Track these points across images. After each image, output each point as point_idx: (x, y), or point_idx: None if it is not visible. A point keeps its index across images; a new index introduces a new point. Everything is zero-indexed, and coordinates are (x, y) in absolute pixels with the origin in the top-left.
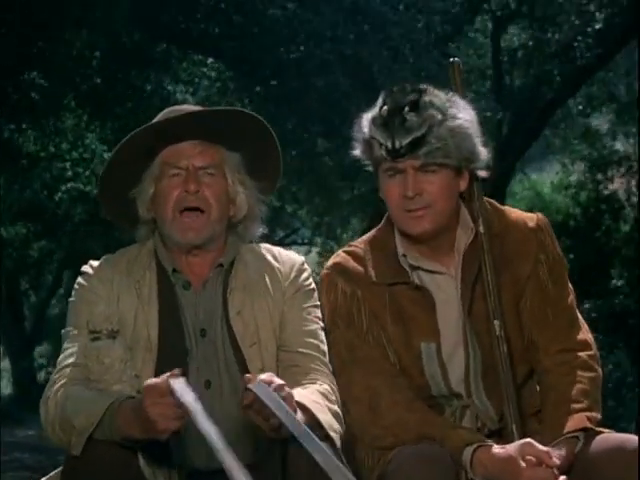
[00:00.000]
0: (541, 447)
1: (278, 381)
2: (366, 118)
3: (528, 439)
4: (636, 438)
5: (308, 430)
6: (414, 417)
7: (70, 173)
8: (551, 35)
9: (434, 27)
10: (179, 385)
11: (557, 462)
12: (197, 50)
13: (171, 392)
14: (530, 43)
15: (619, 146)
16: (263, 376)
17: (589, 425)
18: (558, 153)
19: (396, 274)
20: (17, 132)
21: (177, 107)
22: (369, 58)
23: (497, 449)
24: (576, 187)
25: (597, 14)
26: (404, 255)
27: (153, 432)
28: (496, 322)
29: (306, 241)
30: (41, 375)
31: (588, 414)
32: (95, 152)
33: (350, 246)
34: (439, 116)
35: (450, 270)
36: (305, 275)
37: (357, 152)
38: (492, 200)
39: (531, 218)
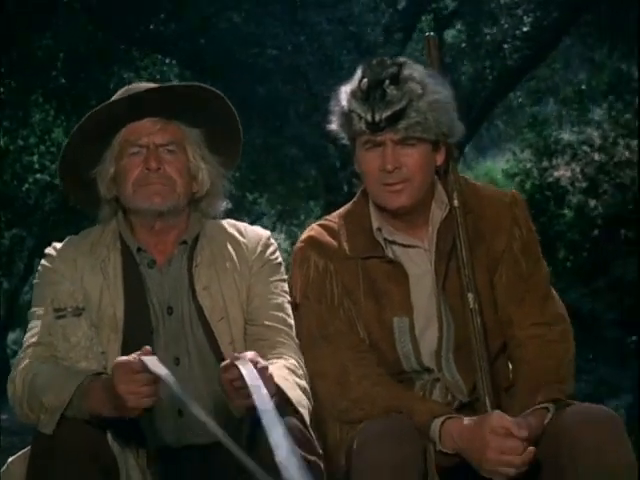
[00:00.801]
0: (509, 418)
1: (262, 362)
2: (344, 91)
3: (497, 411)
4: (605, 408)
5: (279, 420)
6: (382, 390)
7: (37, 165)
8: (483, 37)
9: (366, 36)
10: (152, 361)
11: (525, 433)
12: (155, 51)
13: (144, 369)
14: (463, 45)
15: (564, 135)
16: (249, 355)
17: (559, 397)
18: (510, 141)
19: (370, 248)
20: None
21: (135, 85)
22: (305, 67)
23: (465, 420)
24: (523, 174)
25: (525, 18)
26: (379, 229)
27: (124, 410)
28: (470, 295)
29: (269, 228)
30: (13, 361)
31: (559, 386)
32: (62, 145)
33: (324, 220)
34: (419, 90)
35: (424, 244)
36: (271, 249)
37: (333, 126)
38: (466, 176)
39: (505, 194)
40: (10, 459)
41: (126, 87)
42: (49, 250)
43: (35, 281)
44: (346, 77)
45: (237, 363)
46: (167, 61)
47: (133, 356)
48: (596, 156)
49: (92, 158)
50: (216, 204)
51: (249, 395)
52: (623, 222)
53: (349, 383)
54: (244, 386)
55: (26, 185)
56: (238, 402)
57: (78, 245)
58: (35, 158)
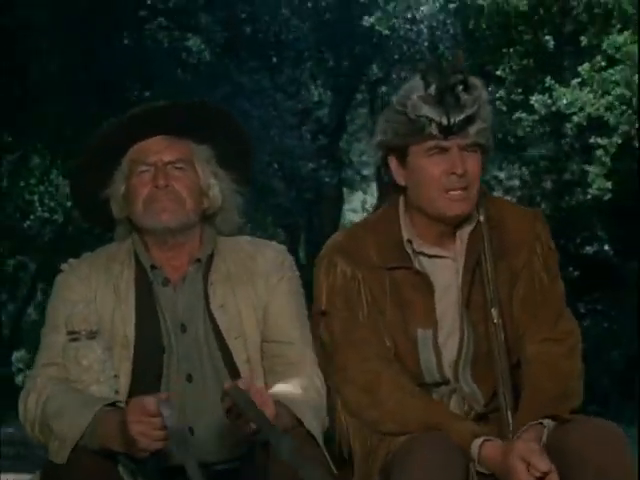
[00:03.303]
0: (532, 448)
1: (255, 386)
2: (408, 98)
3: (520, 441)
4: (610, 424)
5: (286, 437)
6: (415, 403)
7: (37, 204)
8: None
9: None
10: (167, 410)
11: (546, 467)
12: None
13: (159, 412)
14: None
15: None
16: (241, 383)
17: (558, 413)
18: None
19: (398, 258)
20: None
21: (143, 106)
22: None
23: (499, 444)
24: None
25: None
26: (409, 240)
27: (133, 449)
28: (494, 311)
29: None
30: (19, 378)
31: (562, 403)
32: (59, 186)
33: (352, 227)
34: (485, 97)
35: (451, 254)
36: (287, 263)
37: (381, 137)
38: (487, 190)
39: (528, 211)
40: None
41: (133, 109)
42: (64, 267)
43: (50, 297)
44: None
45: (227, 391)
46: None
47: (149, 398)
48: None
49: (103, 180)
50: (230, 220)
51: (247, 422)
52: None
53: (380, 393)
54: (240, 414)
55: (27, 222)
56: (242, 428)
57: (93, 262)
58: (36, 197)
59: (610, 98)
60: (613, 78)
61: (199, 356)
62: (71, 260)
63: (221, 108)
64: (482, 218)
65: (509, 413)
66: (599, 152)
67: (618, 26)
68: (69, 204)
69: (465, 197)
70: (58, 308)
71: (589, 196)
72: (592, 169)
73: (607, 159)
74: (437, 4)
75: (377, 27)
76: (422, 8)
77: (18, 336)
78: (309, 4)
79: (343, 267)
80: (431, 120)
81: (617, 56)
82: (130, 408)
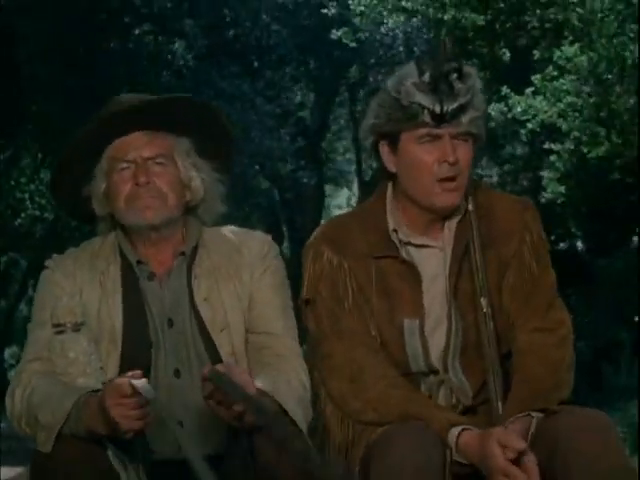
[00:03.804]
0: (510, 435)
1: (236, 367)
2: (402, 84)
3: (498, 428)
4: (600, 413)
5: (271, 408)
6: (398, 393)
7: (28, 202)
8: None
9: None
10: (141, 384)
11: (523, 445)
12: None
13: (134, 392)
14: None
15: None
16: (220, 366)
17: (547, 406)
18: None
19: (384, 248)
20: None
21: (118, 98)
22: None
23: (477, 433)
24: None
25: None
26: (395, 230)
27: (117, 431)
28: (483, 300)
29: None
30: (11, 374)
31: (552, 393)
32: (49, 184)
33: (340, 217)
34: (478, 86)
35: (439, 244)
36: (273, 253)
37: (373, 121)
38: (478, 179)
39: (517, 200)
40: (11, 477)
41: (111, 102)
42: (49, 263)
43: (36, 293)
44: None
45: (209, 376)
46: None
47: (123, 379)
48: None
49: (83, 176)
50: (212, 209)
51: (233, 401)
52: None
53: (364, 383)
54: (224, 396)
55: (19, 220)
56: (225, 414)
57: (77, 257)
58: (26, 195)
59: (562, 105)
60: (564, 87)
61: (186, 351)
62: (55, 256)
63: (198, 101)
64: (471, 207)
65: (499, 404)
66: (552, 157)
67: (570, 38)
68: None
69: (455, 187)
70: (44, 304)
71: (543, 200)
72: (546, 174)
73: (560, 164)
74: (401, 18)
75: (344, 40)
76: (388, 22)
77: (10, 332)
78: (288, 11)
79: (329, 256)
80: (424, 107)
81: (567, 67)
82: (106, 392)
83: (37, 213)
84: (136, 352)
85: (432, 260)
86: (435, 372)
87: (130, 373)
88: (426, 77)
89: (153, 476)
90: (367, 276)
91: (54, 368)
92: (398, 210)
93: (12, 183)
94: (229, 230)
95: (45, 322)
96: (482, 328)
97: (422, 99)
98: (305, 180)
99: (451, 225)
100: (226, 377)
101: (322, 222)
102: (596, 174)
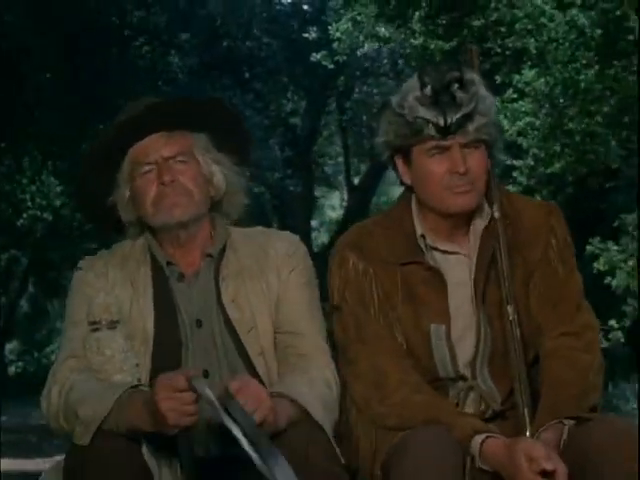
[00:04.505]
0: (539, 448)
1: (250, 383)
2: (404, 99)
3: (528, 439)
4: (629, 422)
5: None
6: (421, 399)
7: (30, 203)
8: None
9: None
10: (197, 380)
11: (552, 466)
12: None
13: (188, 387)
14: None
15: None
16: (233, 384)
17: (578, 414)
18: None
19: (410, 254)
20: None
21: (131, 104)
22: None
23: (503, 441)
24: None
25: None
26: (422, 235)
27: (163, 426)
28: (510, 307)
29: None
30: (11, 369)
31: (581, 400)
32: (50, 186)
33: (364, 223)
34: (482, 92)
35: (464, 250)
36: (300, 254)
37: (384, 139)
38: (501, 185)
39: (542, 205)
40: (45, 469)
41: (126, 108)
42: (81, 264)
43: (69, 294)
44: None
45: (220, 399)
46: None
47: (178, 373)
48: None
49: (107, 183)
50: (236, 202)
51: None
52: None
53: (388, 388)
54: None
55: (20, 220)
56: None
57: (109, 259)
58: (28, 196)
59: (521, 124)
60: (523, 109)
61: (215, 351)
62: (87, 257)
63: (211, 99)
64: (497, 215)
65: (526, 411)
66: (515, 173)
67: (529, 64)
68: (58, 203)
69: (469, 190)
70: (77, 304)
71: None
72: (511, 188)
73: (523, 179)
74: (375, 45)
75: (323, 63)
76: (364, 46)
77: (10, 328)
78: (278, 25)
79: (355, 262)
80: (428, 121)
81: (526, 90)
82: (158, 385)
83: (37, 213)
84: (167, 352)
85: (457, 267)
86: (464, 378)
87: (186, 369)
88: (427, 90)
89: (195, 474)
90: (393, 282)
91: (90, 365)
92: (421, 217)
93: (14, 185)
94: (256, 231)
95: (79, 321)
96: (509, 336)
97: (425, 113)
98: (291, 188)
99: (476, 232)
100: (234, 402)
101: (312, 224)
102: (554, 190)
